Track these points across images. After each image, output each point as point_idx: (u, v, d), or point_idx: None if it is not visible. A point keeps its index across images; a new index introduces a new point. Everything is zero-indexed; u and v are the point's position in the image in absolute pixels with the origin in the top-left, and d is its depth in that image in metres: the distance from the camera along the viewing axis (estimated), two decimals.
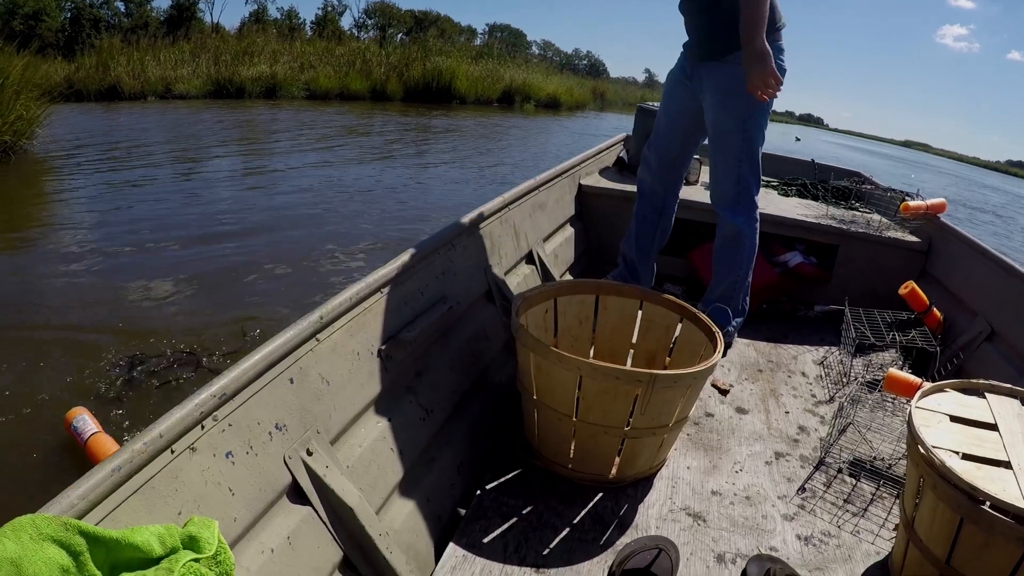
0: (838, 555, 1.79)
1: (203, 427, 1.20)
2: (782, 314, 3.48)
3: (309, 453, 1.42)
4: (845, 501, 2.02)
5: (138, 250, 5.59)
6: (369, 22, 54.90)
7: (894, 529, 1.89)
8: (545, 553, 1.67)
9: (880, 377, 2.46)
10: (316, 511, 1.39)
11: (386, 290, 1.87)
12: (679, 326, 2.24)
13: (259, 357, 1.36)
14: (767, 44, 2.31)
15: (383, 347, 1.79)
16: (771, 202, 3.97)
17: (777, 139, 39.30)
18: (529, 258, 3.00)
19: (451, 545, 1.67)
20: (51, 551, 0.87)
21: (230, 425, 1.26)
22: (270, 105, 19.12)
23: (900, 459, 2.24)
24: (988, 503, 1.40)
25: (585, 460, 1.91)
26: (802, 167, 5.16)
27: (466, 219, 2.46)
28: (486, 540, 1.69)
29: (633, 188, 3.08)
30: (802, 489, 2.05)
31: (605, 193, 3.86)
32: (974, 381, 1.88)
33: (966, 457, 1.55)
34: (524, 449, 2.04)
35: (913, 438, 1.59)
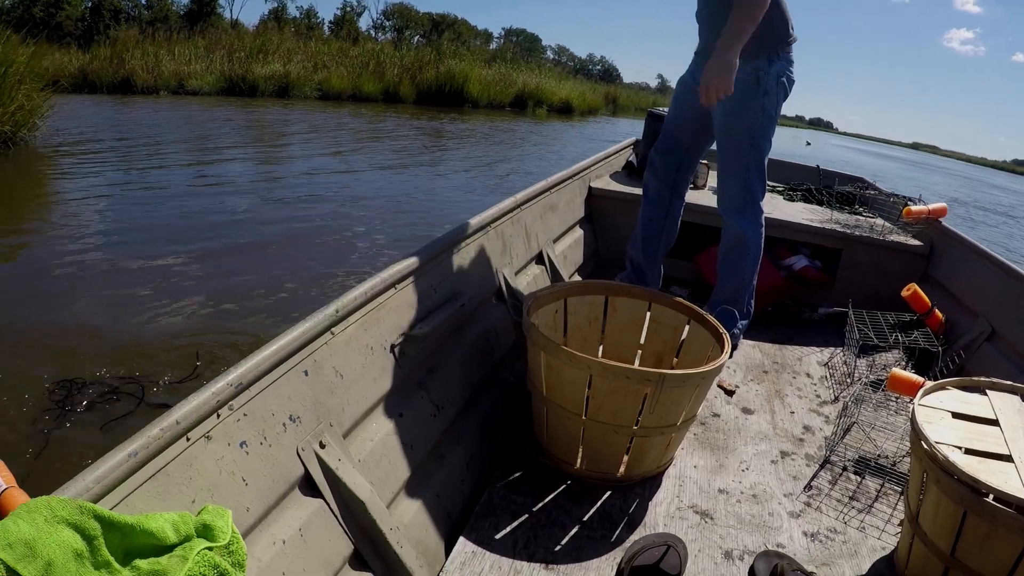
0: (844, 551, 1.82)
1: (219, 416, 1.21)
2: (787, 317, 3.51)
3: (322, 446, 1.43)
4: (851, 498, 2.05)
5: (118, 257, 5.33)
6: (387, 24, 55.16)
7: (899, 524, 1.92)
8: (555, 550, 1.70)
9: (883, 377, 2.49)
10: (328, 504, 1.40)
11: (400, 286, 1.90)
12: (687, 328, 2.28)
13: (275, 348, 1.37)
14: (737, 57, 2.33)
15: (396, 342, 1.81)
16: (777, 207, 4.01)
17: (788, 143, 39.22)
18: (539, 258, 3.04)
19: (461, 540, 1.69)
20: (65, 534, 0.86)
21: (245, 415, 1.28)
22: (282, 104, 19.09)
23: (904, 456, 2.27)
24: (990, 495, 1.43)
25: (594, 458, 1.94)
26: (807, 173, 5.21)
27: (479, 218, 2.49)
28: (496, 536, 1.72)
29: (641, 191, 3.12)
30: (808, 487, 2.08)
31: (615, 196, 3.90)
32: (975, 379, 1.90)
33: (968, 452, 1.57)
34: (533, 447, 2.07)
35: (916, 434, 1.62)
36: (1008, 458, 1.56)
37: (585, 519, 1.83)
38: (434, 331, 1.95)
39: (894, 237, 3.61)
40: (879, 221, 3.91)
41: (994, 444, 1.62)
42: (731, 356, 2.89)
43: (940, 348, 2.83)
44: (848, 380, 2.86)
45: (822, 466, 2.20)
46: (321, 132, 13.99)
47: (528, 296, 2.14)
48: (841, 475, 2.17)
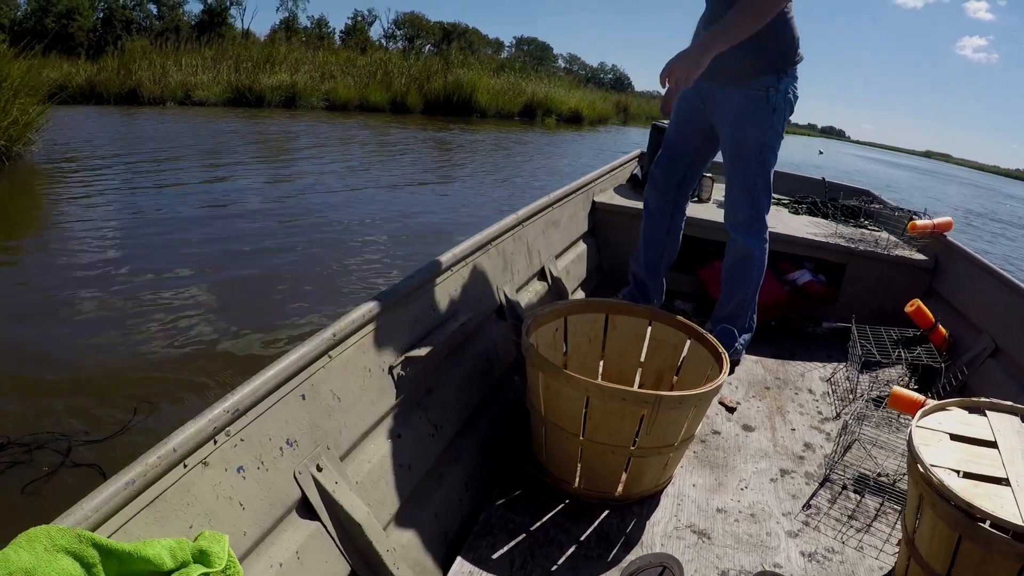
0: (842, 571, 1.82)
1: (215, 442, 1.23)
2: (790, 331, 3.51)
3: (319, 469, 1.44)
4: (849, 517, 2.05)
5: (99, 282, 5.08)
6: (398, 33, 55.36)
7: (897, 544, 1.92)
8: (552, 569, 1.71)
9: (886, 393, 2.50)
10: (325, 526, 1.41)
11: (398, 307, 1.91)
12: (687, 346, 2.28)
13: (272, 374, 1.38)
14: (709, 58, 2.30)
15: (394, 364, 1.82)
16: (781, 220, 4.01)
17: (800, 152, 39.02)
18: (542, 275, 3.04)
19: (458, 560, 1.70)
20: (64, 562, 0.88)
21: (242, 440, 1.29)
22: (289, 115, 19.02)
23: (904, 475, 2.27)
24: (985, 521, 1.43)
25: (592, 478, 1.94)
26: (813, 185, 5.21)
27: (480, 236, 2.50)
28: (493, 556, 1.72)
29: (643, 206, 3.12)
30: (807, 506, 2.08)
31: (618, 210, 3.91)
32: (975, 399, 1.90)
33: (965, 475, 1.58)
34: (532, 466, 2.08)
35: (912, 457, 1.62)
36: (1005, 481, 1.56)
37: (582, 538, 1.83)
38: (433, 351, 1.95)
39: (899, 252, 3.61)
40: (884, 235, 3.91)
41: (991, 467, 1.62)
42: (733, 371, 2.91)
43: (943, 364, 2.83)
44: (851, 397, 2.85)
45: (822, 484, 2.20)
46: (326, 145, 13.90)
47: (527, 315, 2.15)
48: (841, 494, 2.17)
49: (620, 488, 1.95)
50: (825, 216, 4.31)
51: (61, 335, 4.23)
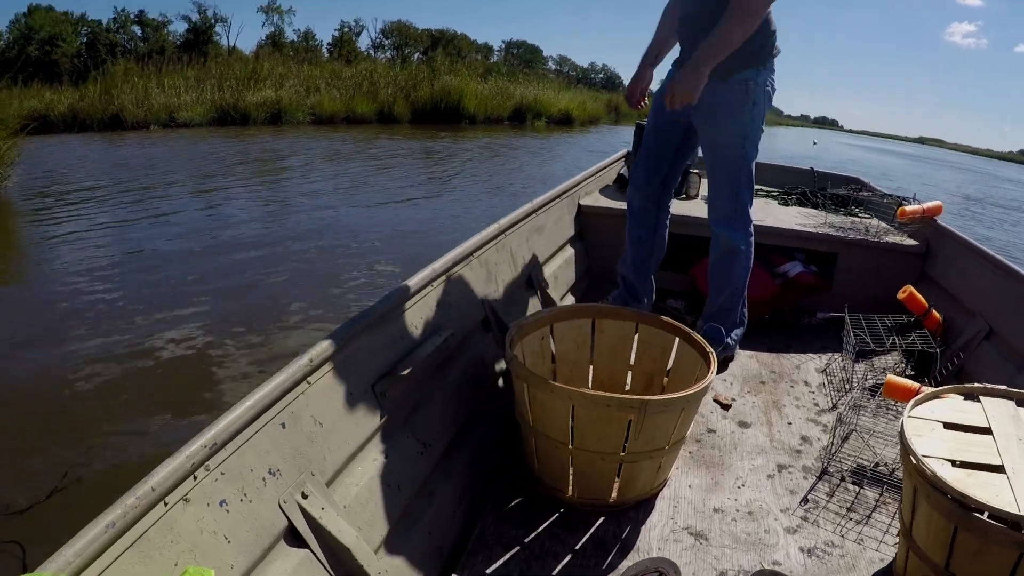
0: (842, 565, 1.80)
1: (195, 477, 1.21)
2: (784, 324, 3.49)
3: (304, 496, 1.42)
4: (848, 509, 2.04)
5: (51, 331, 4.71)
6: (386, 42, 55.32)
7: (898, 535, 1.90)
8: None
9: (882, 382, 2.47)
10: (314, 553, 1.39)
11: (378, 327, 1.88)
12: (675, 346, 2.27)
13: (249, 404, 1.37)
14: (707, 73, 2.34)
15: (377, 385, 1.80)
16: (771, 213, 4.00)
17: (794, 144, 38.86)
18: (528, 283, 3.02)
19: None
20: None
21: (223, 474, 1.27)
22: (274, 132, 18.65)
23: None
24: (980, 511, 1.41)
25: (584, 486, 1.93)
26: (802, 176, 5.20)
27: (460, 248, 2.48)
28: (489, 571, 1.71)
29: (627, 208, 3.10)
30: (805, 500, 2.06)
31: (605, 212, 3.88)
32: (968, 386, 1.89)
33: (959, 464, 1.56)
34: (525, 476, 2.07)
35: (905, 448, 1.61)
36: (1000, 468, 1.55)
37: (578, 547, 1.82)
38: (416, 369, 1.92)
39: (889, 238, 3.59)
40: (874, 222, 3.89)
41: (985, 455, 1.60)
42: (727, 367, 2.90)
43: (938, 350, 2.82)
44: (846, 387, 2.83)
45: (819, 478, 2.19)
46: (311, 163, 13.26)
47: (511, 326, 2.13)
48: (839, 486, 2.15)
49: (614, 494, 1.93)
50: (815, 206, 4.30)
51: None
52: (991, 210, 18.44)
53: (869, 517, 2.01)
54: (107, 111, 17.60)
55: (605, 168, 4.59)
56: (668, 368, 2.30)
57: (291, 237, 7.43)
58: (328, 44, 50.61)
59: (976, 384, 1.89)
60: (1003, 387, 1.87)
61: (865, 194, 4.38)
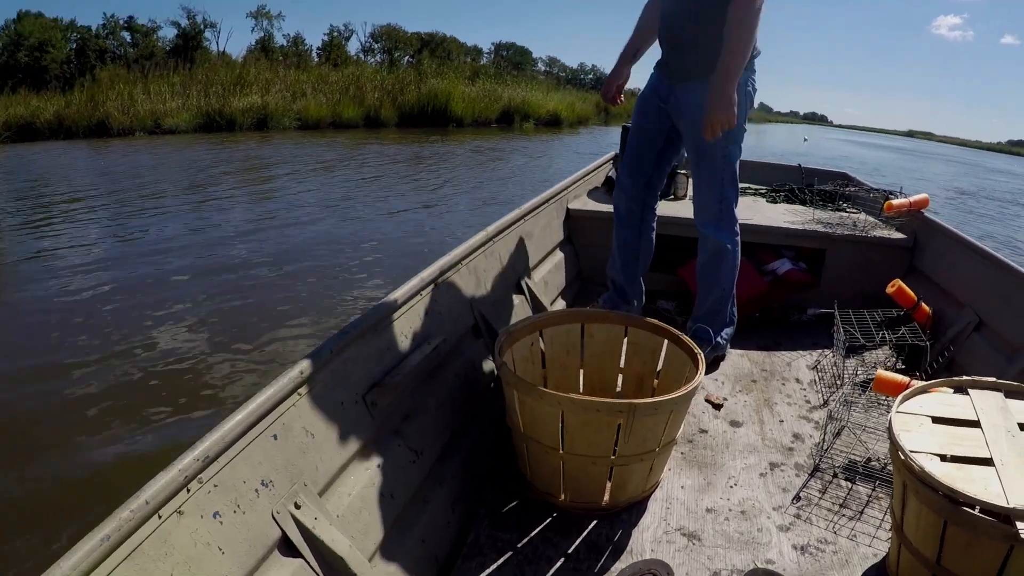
0: (835, 561, 1.81)
1: (188, 490, 1.22)
2: (774, 321, 3.50)
3: (297, 506, 1.43)
4: (841, 506, 2.04)
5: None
6: (376, 46, 55.23)
7: (890, 530, 1.91)
8: None
9: (873, 376, 2.48)
10: (308, 563, 1.40)
11: (367, 338, 1.89)
12: (664, 348, 2.27)
13: (240, 417, 1.37)
14: (735, 90, 2.38)
15: (367, 394, 1.80)
16: (759, 210, 4.01)
17: (784, 141, 38.78)
18: (518, 288, 3.02)
19: None
20: None
21: (216, 486, 1.28)
22: (260, 138, 18.50)
23: None
24: (969, 505, 1.42)
25: (576, 489, 1.93)
26: (789, 172, 5.21)
27: (449, 257, 2.48)
28: None
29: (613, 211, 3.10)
30: (797, 498, 2.07)
31: (594, 215, 3.89)
32: (956, 379, 1.90)
33: (947, 458, 1.56)
34: (518, 482, 2.07)
35: (893, 444, 1.61)
36: (988, 461, 1.55)
37: (571, 551, 1.82)
38: (407, 378, 1.93)
39: (877, 232, 3.61)
40: (862, 217, 3.91)
41: (974, 448, 1.61)
42: (718, 367, 2.90)
43: (928, 343, 2.82)
44: (838, 383, 2.84)
45: (811, 475, 2.19)
46: (296, 173, 12.87)
47: (501, 333, 2.14)
48: (831, 482, 2.16)
49: (606, 497, 1.94)
50: (803, 203, 4.32)
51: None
52: (988, 204, 18.19)
53: (862, 513, 2.02)
54: (93, 118, 17.61)
55: (593, 171, 4.60)
56: (658, 370, 2.31)
57: (277, 251, 7.35)
58: (318, 49, 50.58)
59: (964, 377, 1.90)
60: (991, 379, 1.88)
61: (852, 189, 4.40)
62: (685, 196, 4.19)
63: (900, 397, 1.81)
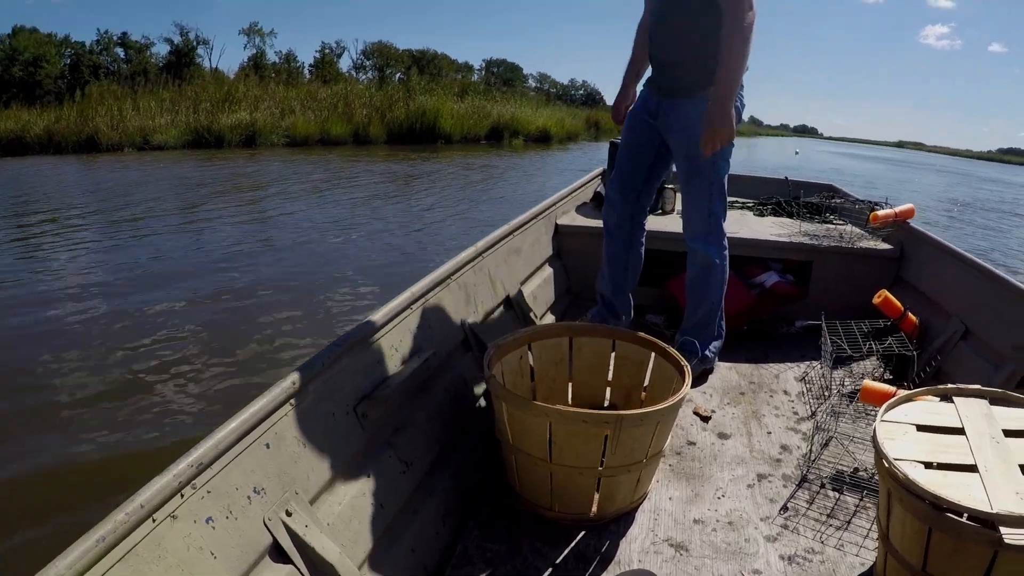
0: (822, 571, 1.81)
1: (182, 495, 1.24)
2: (762, 333, 3.52)
3: (288, 514, 1.45)
4: (828, 516, 2.05)
5: None
6: (367, 63, 55.47)
7: (878, 539, 1.91)
8: None
9: (860, 387, 2.50)
10: (298, 569, 1.42)
11: (359, 350, 1.91)
12: (651, 361, 2.29)
13: (234, 426, 1.40)
14: (732, 108, 2.44)
15: (358, 406, 1.82)
16: (746, 224, 4.03)
17: (775, 155, 38.80)
18: (507, 303, 3.03)
19: None
20: None
21: (209, 492, 1.30)
22: (248, 155, 18.45)
23: None
24: (953, 511, 1.43)
25: (565, 501, 1.94)
26: (776, 185, 5.25)
27: (438, 272, 2.50)
28: None
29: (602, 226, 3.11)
30: (784, 508, 2.07)
31: (583, 231, 3.91)
32: (941, 387, 1.91)
33: (932, 466, 1.57)
34: (507, 494, 2.08)
35: (878, 452, 1.62)
36: (973, 468, 1.56)
37: (559, 561, 1.83)
38: (397, 390, 1.95)
39: (863, 244, 3.63)
40: (848, 228, 3.94)
41: (958, 455, 1.61)
42: (706, 380, 2.91)
43: (915, 353, 2.84)
44: (825, 394, 2.85)
45: (799, 485, 2.20)
46: (283, 194, 12.55)
47: (490, 347, 2.15)
48: (819, 493, 2.16)
49: (594, 508, 1.94)
50: (790, 215, 4.35)
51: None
52: (988, 216, 17.89)
53: (849, 522, 2.02)
54: (82, 133, 17.69)
55: (582, 187, 4.63)
56: (645, 383, 2.32)
57: (263, 269, 7.29)
58: (310, 66, 50.80)
59: (949, 385, 1.91)
60: (976, 386, 1.89)
61: (838, 201, 4.43)
62: (673, 211, 4.21)
63: (885, 406, 1.81)
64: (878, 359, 3.07)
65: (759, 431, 2.55)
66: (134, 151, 18.12)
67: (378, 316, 2.06)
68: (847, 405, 2.71)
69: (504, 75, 68.43)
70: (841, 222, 4.16)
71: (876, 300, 3.08)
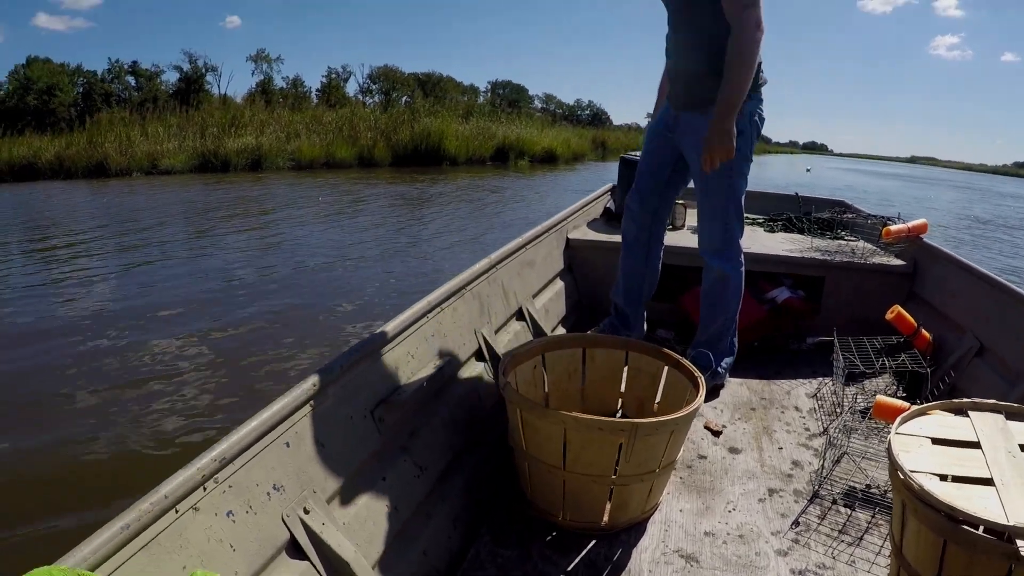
0: None
1: (205, 488, 1.28)
2: (774, 349, 3.51)
3: (306, 511, 1.48)
4: (840, 532, 2.04)
5: None
6: (374, 87, 55.88)
7: (890, 555, 1.90)
8: None
9: (873, 403, 2.48)
10: (314, 566, 1.44)
11: (376, 356, 1.95)
12: (664, 373, 2.29)
13: (256, 424, 1.44)
14: (733, 122, 2.44)
15: (375, 410, 1.85)
16: (757, 239, 4.03)
17: (786, 174, 38.45)
18: (519, 315, 3.05)
19: None
20: None
21: (230, 487, 1.34)
22: (254, 179, 18.58)
23: None
24: (969, 523, 1.42)
25: (577, 509, 1.94)
26: (787, 201, 5.25)
27: (454, 282, 2.53)
28: None
29: (620, 238, 3.13)
30: (796, 523, 2.07)
31: (594, 245, 3.93)
32: (956, 401, 1.90)
33: (947, 479, 1.56)
34: (519, 500, 2.09)
35: (893, 464, 1.61)
36: (989, 481, 1.55)
37: (570, 569, 1.83)
38: (414, 396, 1.98)
39: (876, 259, 3.63)
40: (860, 244, 3.93)
41: (974, 468, 1.61)
42: (718, 395, 2.90)
43: (928, 369, 2.82)
44: (837, 411, 2.84)
45: (811, 501, 2.19)
46: (289, 219, 12.18)
47: (505, 355, 2.18)
48: (831, 509, 2.15)
49: (606, 517, 1.95)
50: (801, 231, 4.34)
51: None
52: (1015, 233, 17.18)
53: (861, 539, 2.01)
54: (92, 158, 17.97)
55: (592, 202, 4.65)
56: (658, 395, 2.32)
57: (273, 290, 7.26)
58: (317, 90, 51.22)
59: (965, 399, 1.90)
60: (991, 401, 1.88)
61: (850, 216, 4.43)
62: (683, 226, 4.22)
63: (900, 419, 1.81)
64: (891, 376, 3.06)
65: (770, 446, 2.54)
66: (142, 175, 18.32)
67: (395, 323, 2.09)
68: (860, 422, 2.70)
69: (510, 96, 68.73)
70: (853, 238, 4.15)
71: (889, 316, 3.06)
